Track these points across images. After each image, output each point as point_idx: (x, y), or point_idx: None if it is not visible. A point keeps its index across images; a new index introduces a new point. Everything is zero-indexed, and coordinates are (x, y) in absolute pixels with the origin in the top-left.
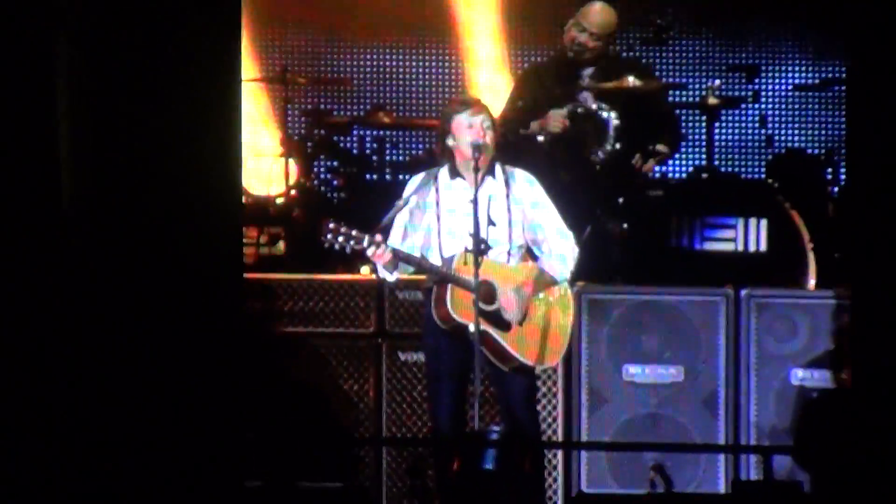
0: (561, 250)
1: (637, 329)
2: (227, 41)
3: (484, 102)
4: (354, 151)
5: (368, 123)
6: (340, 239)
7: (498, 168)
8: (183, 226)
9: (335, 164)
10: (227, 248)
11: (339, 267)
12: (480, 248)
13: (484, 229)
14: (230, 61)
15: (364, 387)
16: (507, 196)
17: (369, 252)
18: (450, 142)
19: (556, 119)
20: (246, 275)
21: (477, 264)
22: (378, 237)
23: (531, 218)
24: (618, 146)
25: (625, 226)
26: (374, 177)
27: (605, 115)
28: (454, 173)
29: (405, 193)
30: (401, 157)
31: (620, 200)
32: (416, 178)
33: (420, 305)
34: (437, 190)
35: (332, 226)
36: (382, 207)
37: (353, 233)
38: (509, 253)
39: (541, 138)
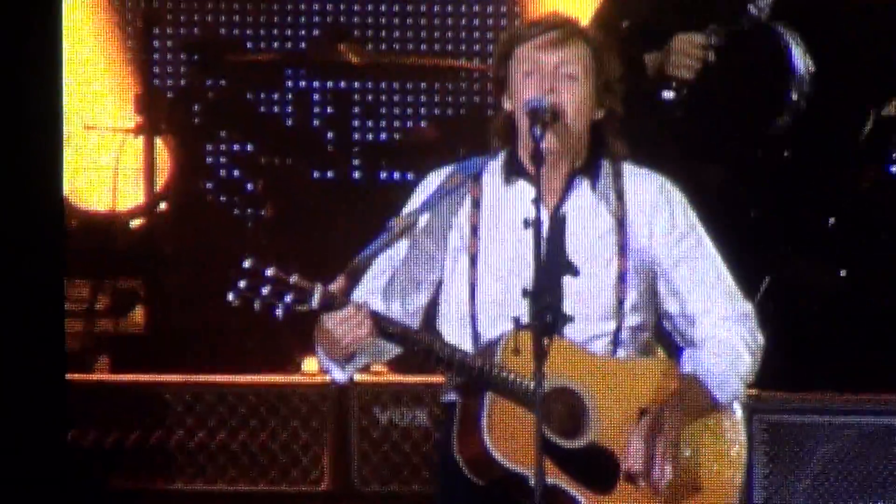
0: (730, 336)
1: (864, 481)
2: None
3: (575, 22)
4: (289, 123)
5: (317, 67)
6: (266, 291)
7: (606, 167)
8: None
9: (250, 148)
10: (39, 321)
11: (259, 357)
12: (554, 321)
13: (566, 284)
14: None
15: None
16: (621, 222)
17: (327, 320)
18: (506, 103)
19: (686, 50)
20: (68, 375)
21: (541, 353)
22: (339, 284)
23: (668, 267)
24: (808, 104)
25: (843, 273)
26: (333, 174)
27: (789, 42)
28: (514, 169)
29: (409, 206)
30: (386, 137)
31: (832, 221)
32: (435, 178)
33: (425, 438)
34: (476, 200)
35: (249, 266)
36: (352, 236)
37: (293, 279)
38: (617, 335)
39: (668, 95)
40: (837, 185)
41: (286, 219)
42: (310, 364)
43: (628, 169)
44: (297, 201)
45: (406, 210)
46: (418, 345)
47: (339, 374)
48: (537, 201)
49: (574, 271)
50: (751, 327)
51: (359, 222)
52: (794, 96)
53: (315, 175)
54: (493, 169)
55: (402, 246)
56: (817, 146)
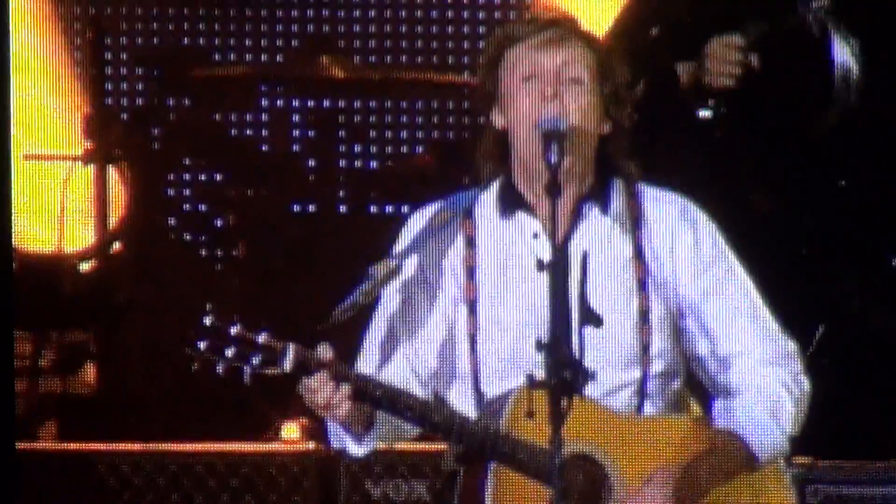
0: (769, 381)
1: None
2: None
3: (575, 20)
4: (264, 148)
5: (296, 83)
6: (230, 353)
7: (618, 189)
8: None
9: (219, 177)
10: None
11: (230, 422)
12: (573, 377)
13: (583, 332)
14: None
15: None
16: (640, 253)
17: (304, 384)
18: (497, 119)
19: (724, 55)
20: (18, 444)
21: (559, 416)
22: (325, 352)
23: (694, 302)
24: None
25: None
26: (316, 207)
27: (829, 29)
28: (511, 200)
29: (396, 247)
30: (377, 164)
31: None
32: (420, 217)
33: None
34: (470, 239)
35: (210, 325)
36: (338, 279)
37: (261, 338)
38: (643, 386)
39: (705, 113)
40: None
41: (261, 260)
42: (290, 430)
43: (644, 190)
44: (274, 239)
45: (393, 251)
46: (410, 410)
47: (353, 448)
48: (554, 240)
49: (597, 320)
50: (794, 370)
51: (345, 263)
52: (840, 88)
53: (295, 208)
54: (487, 201)
55: (394, 300)
56: (878, 172)
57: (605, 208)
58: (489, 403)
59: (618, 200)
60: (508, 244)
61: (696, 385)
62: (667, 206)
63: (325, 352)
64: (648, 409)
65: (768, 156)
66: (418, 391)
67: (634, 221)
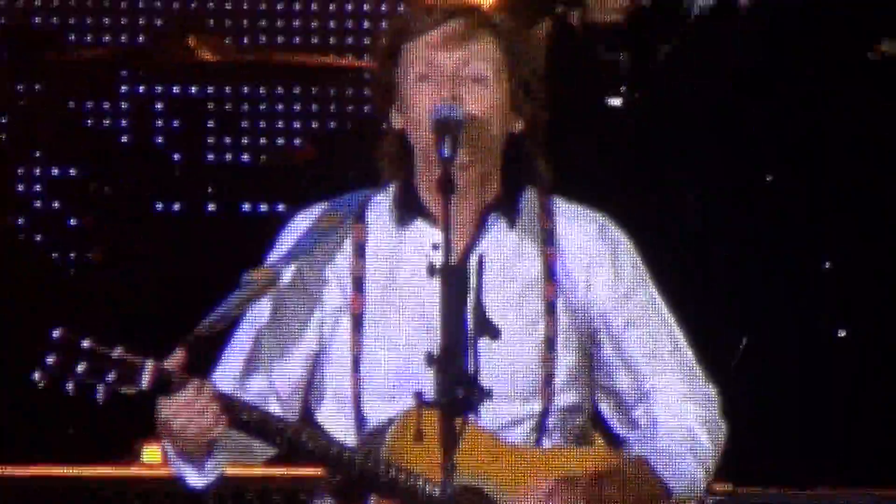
0: (686, 417)
1: None
2: None
3: (479, 6)
4: (124, 140)
5: (160, 67)
6: (81, 369)
7: (529, 200)
8: None
9: (74, 172)
10: None
11: (85, 445)
12: (468, 396)
13: (480, 350)
14: None
15: None
16: (551, 272)
17: (162, 407)
18: (395, 119)
19: None
20: None
21: (452, 439)
22: (177, 359)
23: (617, 339)
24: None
25: (842, 333)
26: (181, 206)
27: None
28: (408, 203)
29: (273, 254)
30: (250, 158)
31: (828, 264)
32: (307, 217)
33: None
34: (359, 246)
35: (59, 337)
36: (207, 287)
37: (116, 353)
38: (543, 421)
39: (615, 101)
40: (837, 212)
41: (121, 264)
42: (152, 453)
43: (558, 204)
44: (134, 241)
45: (268, 261)
46: (281, 435)
47: (194, 479)
48: (446, 241)
49: (494, 332)
50: (712, 411)
51: (214, 269)
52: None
53: (158, 207)
54: (381, 206)
55: (264, 309)
56: (809, 164)
57: (512, 218)
58: (370, 430)
59: (528, 213)
60: (403, 254)
61: (598, 422)
62: (583, 223)
63: (177, 358)
64: (546, 445)
65: (687, 147)
66: (275, 408)
67: (546, 236)
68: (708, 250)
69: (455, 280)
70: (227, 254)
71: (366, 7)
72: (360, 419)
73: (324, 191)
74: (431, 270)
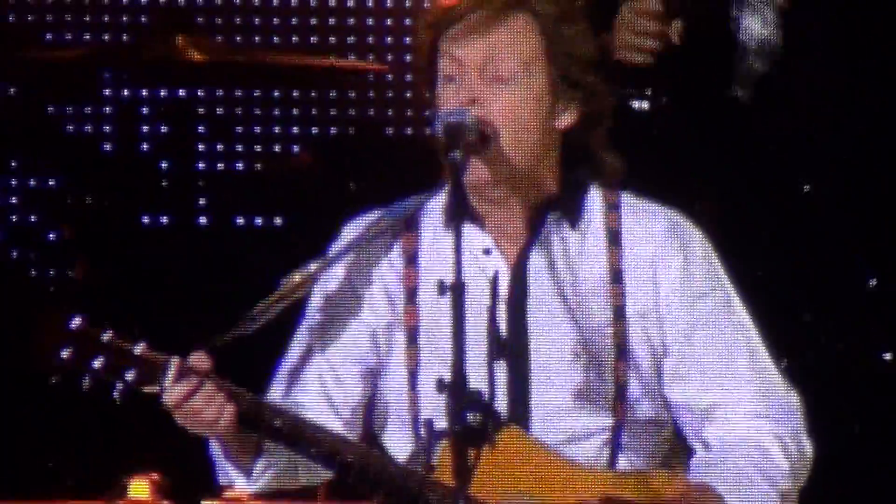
0: (761, 436)
1: None
2: None
3: None
4: (107, 148)
5: (146, 68)
6: (99, 364)
7: (593, 197)
8: None
9: (53, 182)
10: None
11: (68, 478)
12: (483, 423)
13: (532, 362)
14: None
15: None
16: (618, 275)
17: (182, 405)
18: (437, 125)
19: (636, 26)
20: None
21: (466, 471)
22: (201, 359)
23: (678, 338)
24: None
25: (888, 356)
26: (170, 219)
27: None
28: (456, 209)
29: (318, 263)
30: (244, 166)
31: (873, 281)
32: (357, 226)
33: None
34: (412, 255)
35: (77, 328)
36: (191, 309)
37: (138, 349)
38: (618, 435)
39: (639, 104)
40: (883, 226)
41: (104, 281)
42: (138, 488)
43: (627, 201)
44: (119, 257)
45: (311, 265)
46: (317, 447)
47: (242, 482)
48: (457, 259)
49: (503, 353)
50: (794, 429)
51: (206, 287)
52: (747, 58)
53: (145, 220)
54: (433, 209)
55: (313, 314)
56: (851, 171)
57: (574, 219)
58: (424, 441)
59: (592, 211)
60: (453, 261)
61: (678, 436)
62: (652, 220)
63: (201, 361)
64: (623, 463)
65: (716, 156)
66: (336, 426)
67: (612, 236)
68: (742, 267)
69: (466, 298)
70: (220, 270)
71: (369, 3)
72: (417, 441)
73: (325, 201)
74: (443, 288)
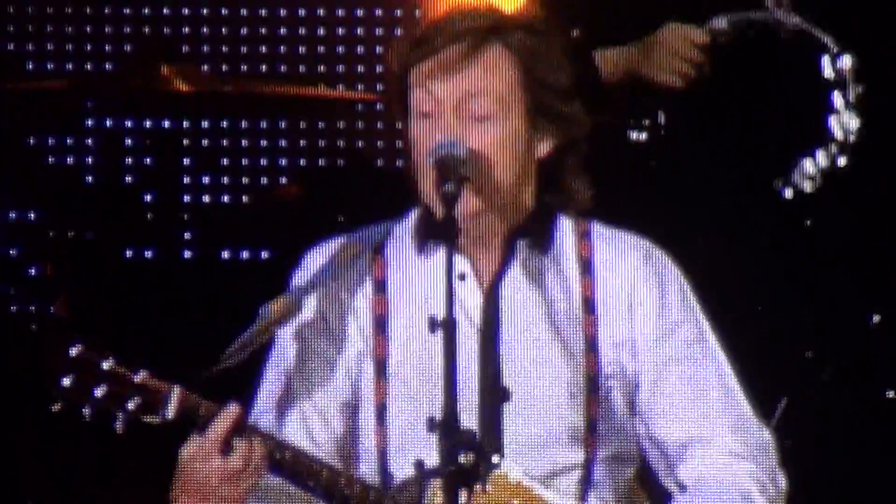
0: (737, 477)
1: None
2: None
3: (488, 15)
4: (90, 180)
5: (130, 98)
6: (100, 393)
7: (563, 224)
8: None
9: (33, 216)
10: None
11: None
12: (476, 463)
13: (514, 395)
14: None
15: None
16: (590, 305)
17: (188, 446)
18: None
19: (680, 48)
20: None
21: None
22: (232, 410)
23: (651, 372)
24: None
25: (891, 394)
26: (154, 253)
27: (828, 44)
28: (430, 230)
29: (294, 283)
30: (230, 199)
31: (877, 318)
32: (322, 252)
33: None
34: (381, 283)
35: (77, 355)
36: (176, 345)
37: (139, 377)
38: (589, 471)
39: (638, 136)
40: (886, 261)
41: (87, 317)
42: None
43: (598, 231)
44: (102, 292)
45: (289, 290)
46: (316, 477)
47: None
48: (450, 293)
49: (502, 395)
50: (769, 467)
51: (192, 322)
52: (836, 131)
53: (128, 254)
54: (402, 237)
55: (284, 346)
56: (851, 208)
57: (544, 247)
58: (399, 488)
59: (562, 239)
60: (428, 289)
61: (651, 475)
62: (626, 250)
63: (232, 410)
64: (593, 501)
65: (713, 192)
66: (319, 450)
67: (584, 265)
68: (744, 303)
69: (466, 327)
70: (205, 305)
71: (359, 31)
72: (385, 478)
73: (313, 234)
74: (433, 325)
